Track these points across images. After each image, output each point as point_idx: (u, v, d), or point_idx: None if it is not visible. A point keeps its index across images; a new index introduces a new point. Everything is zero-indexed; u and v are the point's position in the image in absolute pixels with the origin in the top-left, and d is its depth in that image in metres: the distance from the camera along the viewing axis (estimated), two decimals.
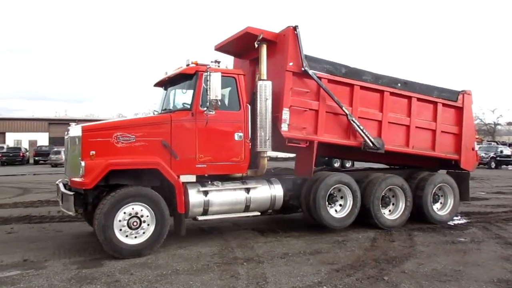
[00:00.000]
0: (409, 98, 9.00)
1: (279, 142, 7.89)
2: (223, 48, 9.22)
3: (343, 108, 8.12)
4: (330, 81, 8.18)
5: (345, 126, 8.38)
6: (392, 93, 8.80)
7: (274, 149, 7.93)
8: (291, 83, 7.81)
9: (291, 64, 7.76)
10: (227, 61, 9.54)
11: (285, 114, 7.70)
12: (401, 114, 8.97)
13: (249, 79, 8.27)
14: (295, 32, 7.81)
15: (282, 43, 7.93)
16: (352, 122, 8.20)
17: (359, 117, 8.34)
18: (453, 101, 9.57)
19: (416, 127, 9.06)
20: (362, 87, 8.52)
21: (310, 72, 7.85)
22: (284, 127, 7.70)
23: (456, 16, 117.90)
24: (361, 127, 8.23)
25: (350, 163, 30.98)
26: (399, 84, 8.95)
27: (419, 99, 9.11)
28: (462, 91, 9.72)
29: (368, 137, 8.27)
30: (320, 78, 8.00)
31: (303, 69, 7.80)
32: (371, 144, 8.31)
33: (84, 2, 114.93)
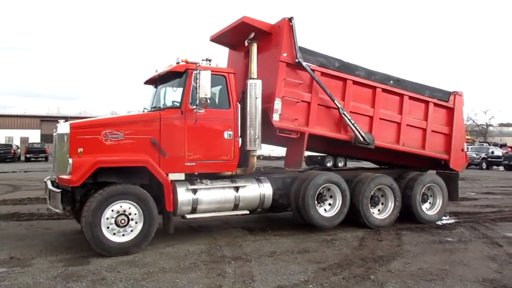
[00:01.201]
0: (401, 95, 9.06)
1: (269, 135, 7.92)
2: (218, 38, 9.23)
3: (335, 102, 8.16)
4: (323, 74, 8.23)
5: (336, 119, 8.42)
6: (384, 90, 8.86)
7: (264, 142, 7.95)
8: (284, 73, 7.84)
9: (285, 54, 7.80)
10: (222, 53, 9.63)
11: (277, 104, 7.73)
12: (393, 111, 9.03)
13: (243, 71, 8.28)
14: (290, 23, 7.86)
15: (277, 34, 7.98)
16: (343, 116, 8.23)
17: (350, 112, 8.39)
18: (445, 101, 9.64)
19: (407, 125, 9.12)
20: (354, 82, 8.57)
21: (304, 63, 7.89)
22: (275, 117, 7.72)
23: (450, 17, 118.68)
24: (352, 121, 8.27)
25: (342, 163, 31.23)
26: (391, 81, 9.01)
27: (411, 98, 9.17)
28: (453, 92, 9.79)
29: (359, 132, 8.31)
30: (313, 70, 8.04)
31: (297, 60, 7.84)
32: (361, 139, 8.35)
33: (77, 1, 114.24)
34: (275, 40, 8.00)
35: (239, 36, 8.37)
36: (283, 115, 7.80)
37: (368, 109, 8.75)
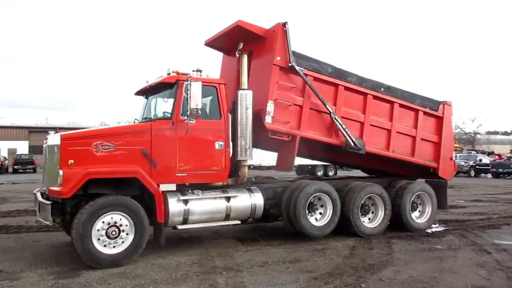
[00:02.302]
0: (392, 103, 9.20)
1: (261, 139, 8.02)
2: (213, 43, 9.34)
3: (327, 106, 8.27)
4: (315, 79, 8.34)
5: (328, 124, 8.53)
6: (375, 97, 9.00)
7: (256, 146, 7.99)
8: (277, 77, 7.94)
9: (278, 58, 7.90)
10: (216, 59, 9.66)
11: (270, 106, 7.81)
12: (383, 118, 9.16)
13: (236, 77, 8.37)
14: (284, 28, 7.98)
15: (271, 38, 8.10)
16: (335, 120, 8.34)
17: (342, 117, 8.50)
18: (434, 110, 9.80)
19: (397, 132, 9.25)
20: (346, 88, 8.69)
21: (297, 68, 8.00)
22: (268, 119, 7.79)
23: (438, 26, 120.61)
24: (344, 126, 8.37)
25: (333, 172, 31.42)
26: (382, 89, 9.15)
27: (401, 105, 9.31)
28: (443, 101, 9.96)
29: (350, 137, 8.40)
30: (306, 75, 8.15)
31: (290, 64, 7.94)
32: (352, 144, 8.44)
33: (66, 10, 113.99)
34: (269, 44, 8.12)
35: (233, 40, 8.48)
36: (275, 117, 7.89)
37: (359, 115, 8.87)
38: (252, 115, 7.70)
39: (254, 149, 8.25)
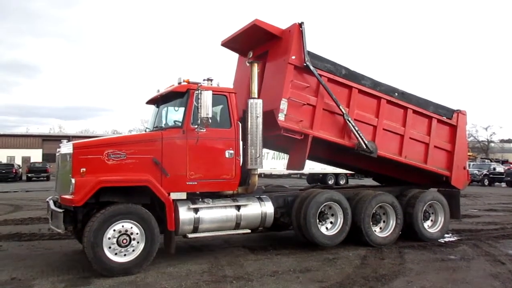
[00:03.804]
0: (405, 108, 9.16)
1: (272, 137, 8.08)
2: (229, 43, 9.44)
3: (340, 107, 8.27)
4: (329, 80, 8.37)
5: (340, 125, 8.52)
6: (389, 101, 8.97)
7: (267, 146, 8.00)
8: (292, 76, 8.00)
9: (293, 57, 7.96)
10: (233, 58, 9.87)
11: (283, 104, 7.84)
12: (396, 123, 9.12)
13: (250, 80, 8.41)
14: (301, 28, 8.05)
15: (287, 38, 8.19)
16: (348, 122, 8.33)
17: (354, 119, 8.48)
18: (448, 118, 9.73)
19: (410, 138, 9.19)
20: (360, 91, 8.70)
21: (311, 67, 8.03)
22: (281, 117, 7.82)
23: (452, 33, 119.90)
24: (356, 128, 8.36)
25: (344, 181, 31.25)
26: (396, 94, 9.12)
27: (414, 111, 9.27)
28: (457, 110, 9.89)
29: (362, 139, 8.38)
30: (320, 75, 8.17)
31: (304, 64, 7.99)
32: (364, 146, 8.41)
33: (78, 19, 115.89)
34: (285, 44, 8.20)
35: (249, 41, 8.62)
36: (288, 115, 7.91)
37: (372, 118, 8.84)
38: (263, 116, 7.73)
39: (264, 157, 8.27)
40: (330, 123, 8.46)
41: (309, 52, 8.10)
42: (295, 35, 8.04)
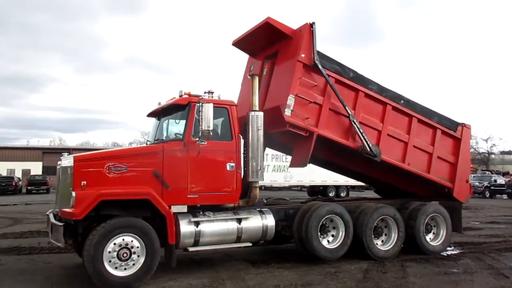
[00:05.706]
0: (410, 116, 9.21)
1: (276, 134, 8.20)
2: (240, 43, 9.50)
3: (347, 108, 8.30)
4: (337, 81, 8.42)
5: (345, 126, 8.55)
6: (394, 108, 9.01)
7: (269, 146, 7.99)
8: (300, 73, 8.05)
9: (303, 55, 8.04)
10: (243, 59, 9.97)
11: (290, 99, 7.88)
12: (401, 130, 9.15)
13: (261, 78, 8.54)
14: (311, 28, 8.16)
15: (298, 37, 8.28)
16: (353, 123, 8.35)
17: (360, 122, 8.50)
18: (452, 130, 9.75)
19: (414, 146, 9.21)
20: (366, 95, 8.75)
21: (320, 66, 8.09)
22: (287, 112, 7.84)
23: (451, 45, 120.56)
24: (361, 130, 8.38)
25: (345, 193, 31.17)
26: (402, 101, 9.16)
27: (419, 120, 9.32)
28: (462, 123, 9.93)
29: (366, 142, 8.38)
30: (328, 75, 8.23)
31: (313, 62, 8.06)
32: (368, 149, 8.41)
33: (77, 32, 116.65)
34: (295, 44, 8.28)
35: (260, 40, 8.73)
36: (295, 111, 7.93)
37: (377, 123, 8.87)
38: (270, 112, 7.81)
39: (265, 169, 8.28)
40: (335, 123, 8.50)
41: (318, 52, 8.19)
42: (306, 34, 8.14)
